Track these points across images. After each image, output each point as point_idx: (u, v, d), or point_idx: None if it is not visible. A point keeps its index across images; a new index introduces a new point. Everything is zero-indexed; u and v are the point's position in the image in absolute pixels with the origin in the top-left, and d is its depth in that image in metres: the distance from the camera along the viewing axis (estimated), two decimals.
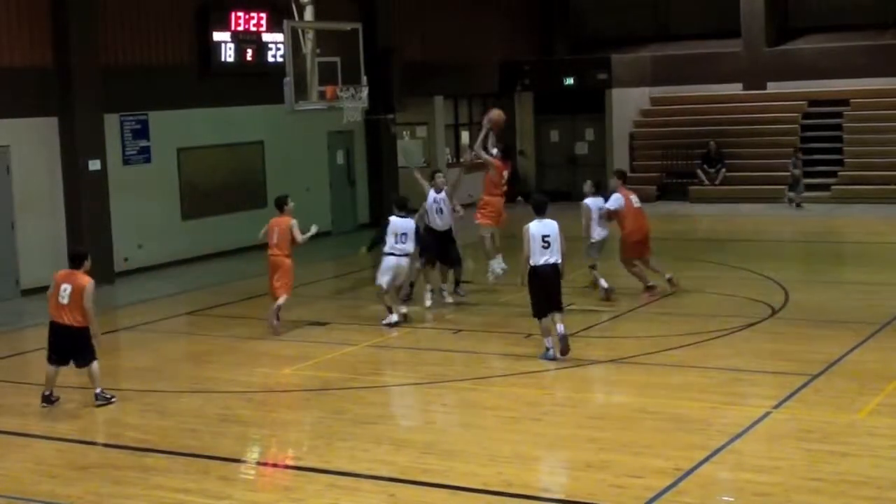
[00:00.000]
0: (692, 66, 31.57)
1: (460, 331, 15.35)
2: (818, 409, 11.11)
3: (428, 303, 16.83)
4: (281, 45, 20.40)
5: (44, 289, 12.58)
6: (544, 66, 32.48)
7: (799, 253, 22.94)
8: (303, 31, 17.21)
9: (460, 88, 30.33)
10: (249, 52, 22.95)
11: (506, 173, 17.48)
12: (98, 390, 12.23)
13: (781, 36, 31.65)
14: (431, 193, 16.90)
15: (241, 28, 22.81)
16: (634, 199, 17.05)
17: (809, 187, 27.73)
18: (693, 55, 31.77)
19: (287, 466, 10.45)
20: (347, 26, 18.70)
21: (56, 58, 19.47)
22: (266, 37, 23.18)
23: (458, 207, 17.22)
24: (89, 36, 19.80)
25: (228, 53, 22.60)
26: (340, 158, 26.39)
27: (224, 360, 14.38)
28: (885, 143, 28.39)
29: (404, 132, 29.23)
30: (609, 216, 16.91)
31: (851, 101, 29.76)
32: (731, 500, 9.00)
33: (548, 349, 13.38)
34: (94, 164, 19.79)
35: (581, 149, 31.89)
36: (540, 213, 13.56)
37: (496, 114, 17.51)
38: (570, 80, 31.60)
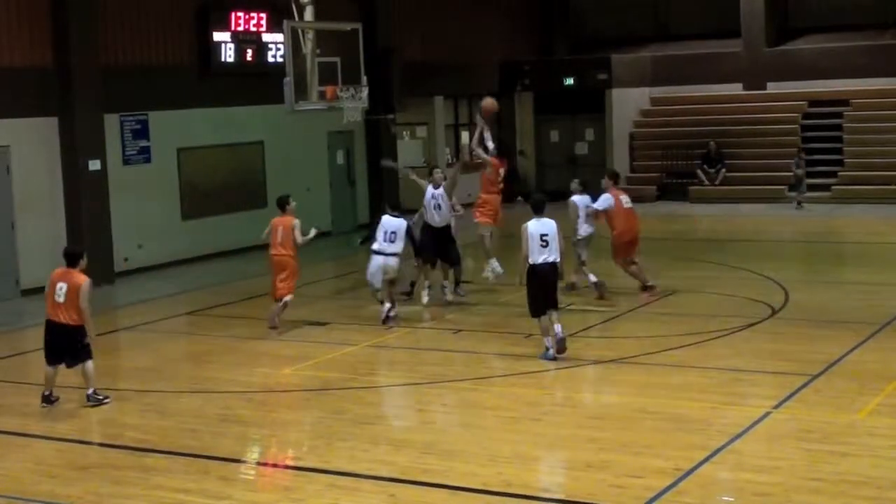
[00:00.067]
0: (692, 66, 31.58)
1: (460, 331, 15.35)
2: (818, 409, 11.11)
3: (425, 300, 16.84)
4: (281, 45, 20.40)
5: (44, 289, 12.57)
6: (544, 66, 32.48)
7: (799, 253, 22.94)
8: (303, 31, 17.21)
9: (460, 88, 30.33)
10: (249, 52, 22.96)
11: (502, 171, 17.52)
12: (90, 391, 12.23)
13: (781, 36, 31.66)
14: (430, 189, 16.94)
15: (241, 28, 22.82)
16: (625, 199, 17.08)
17: (810, 187, 27.72)
18: (693, 55, 31.78)
19: (287, 466, 10.45)
20: (347, 26, 18.70)
21: (56, 58, 19.48)
22: (266, 37, 23.18)
23: (458, 206, 17.24)
24: (89, 36, 19.80)
25: (228, 53, 22.60)
26: (340, 158, 26.39)
27: (224, 360, 14.38)
28: (885, 143, 28.40)
29: (404, 132, 29.25)
30: (596, 215, 16.96)
31: (851, 101, 29.77)
32: (731, 500, 9.00)
33: (547, 349, 13.39)
34: (94, 164, 19.79)
35: (581, 149, 31.89)
36: (538, 212, 13.61)
37: (488, 102, 17.58)
38: (570, 80, 31.59)
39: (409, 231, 16.11)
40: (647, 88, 32.26)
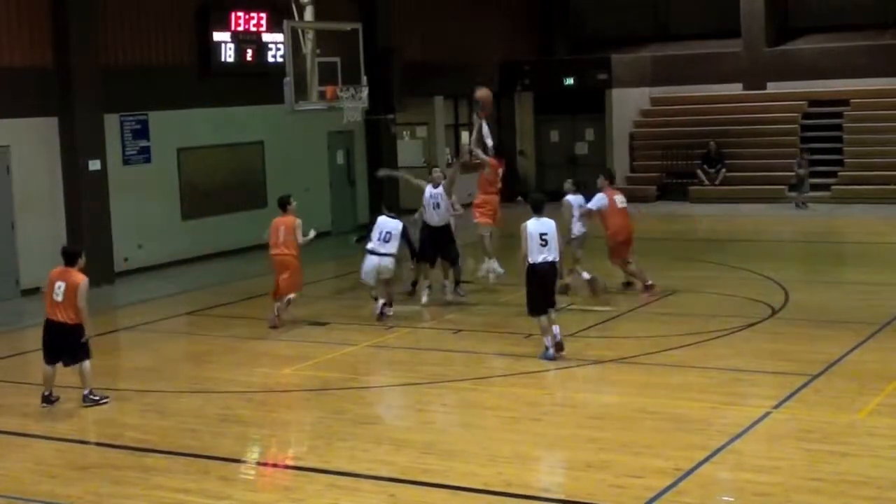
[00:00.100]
0: (692, 66, 31.57)
1: (460, 331, 15.35)
2: (818, 409, 11.11)
3: (424, 300, 16.87)
4: (281, 45, 20.40)
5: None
6: (544, 66, 32.48)
7: (799, 253, 22.94)
8: (303, 31, 17.20)
9: (460, 88, 30.25)
10: (249, 52, 22.95)
11: (500, 171, 17.52)
12: (87, 391, 12.23)
13: (781, 36, 31.65)
14: (429, 189, 16.97)
15: (241, 28, 22.82)
16: (619, 199, 17.11)
17: (810, 187, 27.70)
18: (693, 55, 31.77)
19: (287, 466, 10.45)
20: (347, 26, 18.70)
21: (56, 58, 19.48)
22: (266, 37, 23.18)
23: (458, 206, 17.25)
24: (89, 36, 19.80)
25: (228, 53, 22.60)
26: (340, 158, 26.39)
27: (224, 360, 14.38)
28: (885, 143, 28.39)
29: (404, 132, 29.25)
30: (589, 214, 16.98)
31: (851, 101, 29.76)
32: (731, 500, 9.00)
33: (547, 348, 13.40)
34: (94, 164, 19.79)
35: (581, 149, 31.89)
36: (538, 211, 13.65)
37: (483, 93, 17.59)
38: (570, 80, 31.59)
39: (405, 232, 16.19)
40: (647, 88, 32.24)
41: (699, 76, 31.55)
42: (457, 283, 17.33)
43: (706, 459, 9.71)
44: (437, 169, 17.53)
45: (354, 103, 17.78)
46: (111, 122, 20.47)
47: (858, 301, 16.56)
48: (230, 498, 9.36)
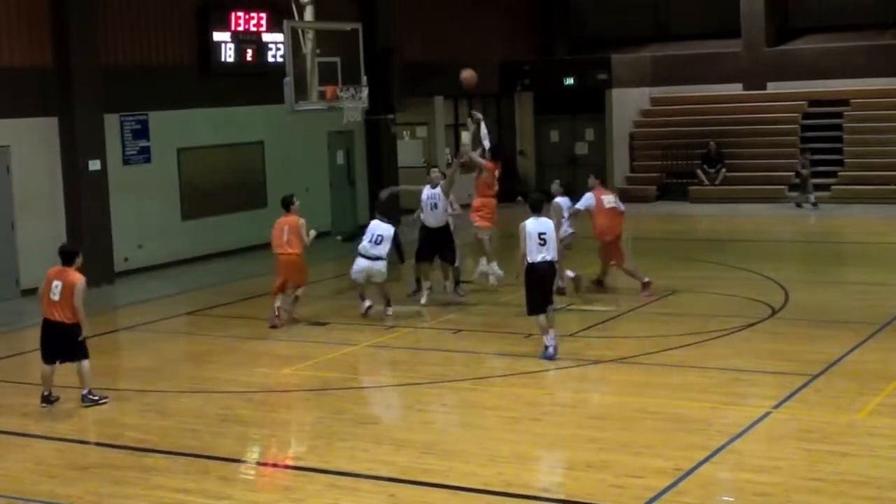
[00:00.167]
0: (692, 66, 31.58)
1: (460, 331, 15.35)
2: (818, 409, 11.11)
3: (423, 300, 16.88)
4: (281, 45, 20.40)
5: None
6: (544, 66, 32.48)
7: (799, 253, 22.94)
8: (303, 31, 17.21)
9: (460, 88, 30.24)
10: (249, 52, 22.95)
11: (497, 173, 17.52)
12: (86, 391, 12.23)
13: (781, 36, 31.65)
14: (427, 189, 16.98)
15: (241, 28, 22.81)
16: (608, 199, 17.14)
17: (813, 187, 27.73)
18: (693, 55, 31.77)
19: (287, 466, 10.45)
20: (347, 26, 18.70)
21: (56, 58, 19.47)
22: (266, 37, 23.17)
23: (456, 206, 17.24)
24: (89, 36, 19.79)
25: (228, 53, 22.59)
26: (340, 158, 26.38)
27: (224, 360, 14.38)
28: (885, 143, 28.39)
29: (404, 132, 29.24)
30: (577, 214, 17.07)
31: (851, 101, 29.76)
32: (731, 500, 9.00)
33: (547, 347, 13.41)
34: (94, 164, 19.78)
35: (581, 149, 31.89)
36: (536, 211, 13.69)
37: (468, 73, 17.61)
38: (570, 80, 31.59)
39: (395, 237, 16.26)
40: (647, 88, 32.25)
41: (699, 76, 31.55)
42: (457, 283, 17.34)
43: (706, 459, 9.71)
44: (435, 170, 17.52)
45: (354, 103, 17.78)
46: (111, 122, 20.47)
47: (858, 301, 16.56)
48: (230, 498, 9.36)
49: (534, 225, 13.46)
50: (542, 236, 13.40)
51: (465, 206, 18.11)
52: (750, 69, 31.14)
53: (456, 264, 17.27)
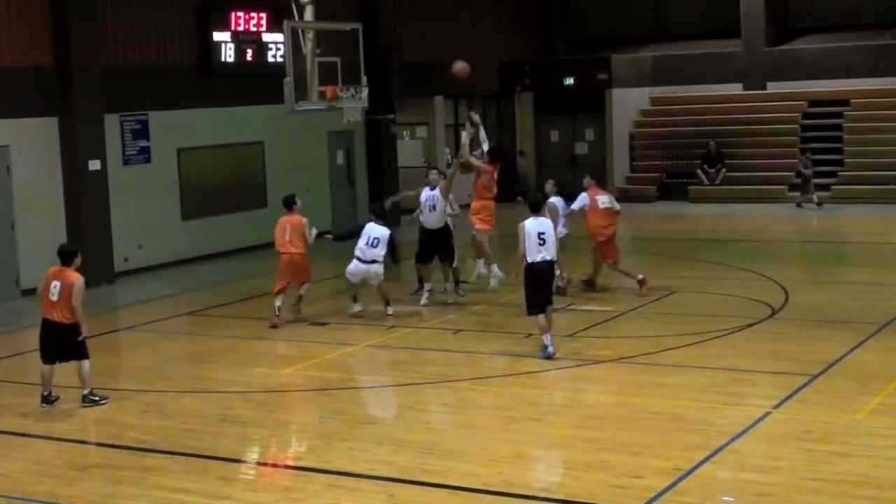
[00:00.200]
0: (692, 66, 31.59)
1: (460, 331, 15.35)
2: (818, 409, 11.11)
3: (423, 300, 16.88)
4: (281, 45, 20.40)
5: None
6: (544, 66, 32.49)
7: (799, 253, 22.95)
8: (303, 31, 17.21)
9: (460, 88, 30.28)
10: (249, 52, 22.95)
11: (495, 174, 17.50)
12: (86, 391, 12.23)
13: (781, 36, 31.66)
14: (426, 191, 16.99)
15: (241, 28, 22.81)
16: (602, 199, 17.10)
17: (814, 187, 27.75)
18: (693, 55, 31.78)
19: (287, 466, 10.45)
20: (347, 26, 18.70)
21: (56, 58, 19.47)
22: (266, 37, 23.17)
23: (455, 206, 17.24)
24: (89, 36, 19.80)
25: (228, 53, 22.59)
26: (340, 158, 26.38)
27: (224, 360, 14.38)
28: (885, 143, 28.41)
29: (404, 132, 29.24)
30: (571, 215, 17.10)
31: (851, 101, 29.78)
32: (731, 500, 9.00)
33: (546, 347, 13.41)
34: (94, 164, 19.79)
35: (581, 149, 31.90)
36: (535, 211, 13.70)
37: (460, 65, 17.62)
38: (570, 80, 31.60)
39: (391, 240, 16.30)
40: (647, 88, 32.26)
41: (699, 76, 31.56)
42: (456, 283, 17.35)
43: (706, 459, 9.71)
44: (433, 171, 17.49)
45: (354, 103, 17.79)
46: (111, 122, 20.47)
47: (858, 301, 16.56)
48: (230, 498, 9.36)
49: (533, 225, 13.47)
50: (542, 236, 13.41)
51: (465, 207, 18.12)
52: (750, 69, 31.15)
53: (455, 265, 17.29)
